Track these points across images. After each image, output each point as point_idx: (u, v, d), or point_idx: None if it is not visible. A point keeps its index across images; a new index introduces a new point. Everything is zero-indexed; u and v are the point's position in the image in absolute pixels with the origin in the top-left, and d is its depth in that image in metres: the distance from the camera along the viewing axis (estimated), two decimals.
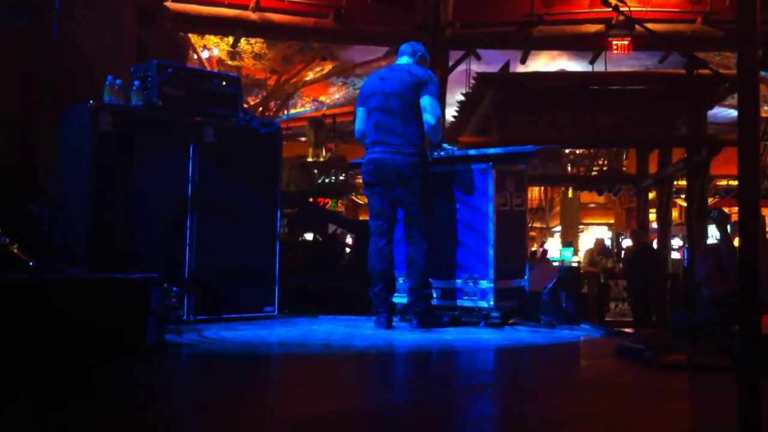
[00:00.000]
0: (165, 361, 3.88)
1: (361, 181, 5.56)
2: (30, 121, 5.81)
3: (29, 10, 4.83)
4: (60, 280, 3.92)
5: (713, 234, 16.73)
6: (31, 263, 4.33)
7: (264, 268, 5.66)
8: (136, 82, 5.22)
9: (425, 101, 5.18)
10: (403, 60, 5.44)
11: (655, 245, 15.73)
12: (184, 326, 4.94)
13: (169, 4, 11.12)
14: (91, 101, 4.94)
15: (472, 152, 5.68)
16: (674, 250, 18.43)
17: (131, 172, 5.06)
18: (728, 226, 5.36)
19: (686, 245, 17.40)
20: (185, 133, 5.31)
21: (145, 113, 5.18)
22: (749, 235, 2.13)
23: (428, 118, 5.17)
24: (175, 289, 4.58)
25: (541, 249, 23.51)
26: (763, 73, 13.02)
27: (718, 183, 21.18)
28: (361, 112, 5.43)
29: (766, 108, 15.36)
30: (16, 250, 4.33)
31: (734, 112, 16.62)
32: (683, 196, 18.86)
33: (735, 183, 19.41)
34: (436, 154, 5.42)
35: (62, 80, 5.92)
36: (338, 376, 3.72)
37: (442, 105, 11.57)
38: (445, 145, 5.47)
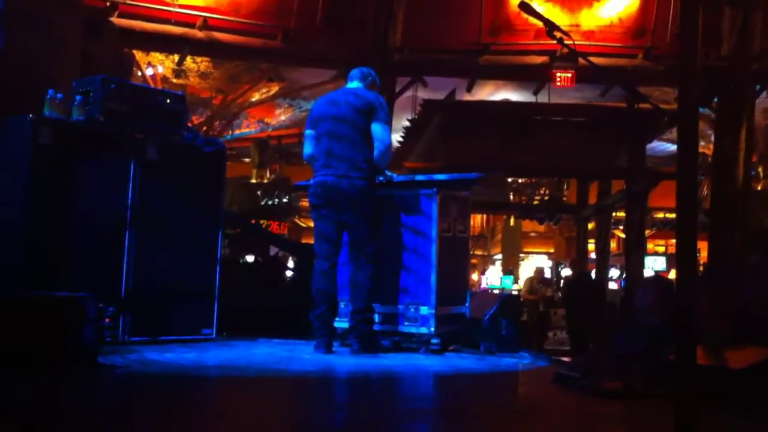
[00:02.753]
0: (101, 382, 3.79)
1: (305, 203, 5.54)
2: None
3: None
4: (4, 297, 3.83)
5: (650, 265, 17.11)
6: None
7: (203, 289, 5.58)
8: (78, 97, 5.14)
9: (376, 128, 5.20)
10: (354, 84, 5.45)
11: (593, 275, 15.98)
12: (119, 347, 4.83)
13: (114, 19, 11.00)
14: (31, 114, 4.84)
15: (416, 177, 5.70)
16: (612, 280, 18.75)
17: (70, 187, 4.96)
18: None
19: (624, 275, 17.70)
20: (127, 149, 5.23)
21: (87, 128, 5.09)
22: (686, 267, 2.17)
23: (378, 144, 5.19)
24: (110, 309, 4.50)
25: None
26: (701, 109, 13.39)
27: (655, 215, 21.64)
28: (310, 135, 5.41)
29: (703, 143, 15.78)
30: None
31: (673, 146, 17.09)
32: (621, 227, 19.20)
33: (672, 215, 19.86)
34: (376, 179, 5.42)
35: (2, 90, 5.78)
36: (276, 400, 3.67)
37: (390, 129, 11.63)
38: (387, 171, 5.48)
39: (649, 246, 22.66)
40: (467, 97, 14.71)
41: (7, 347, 3.54)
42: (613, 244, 20.32)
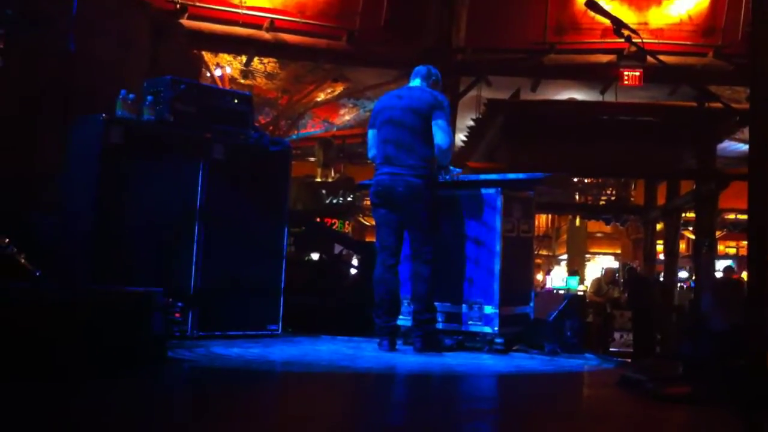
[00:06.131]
0: (170, 374, 3.88)
1: (368, 202, 5.57)
2: (36, 129, 5.86)
3: (38, 21, 4.87)
4: (77, 291, 3.95)
5: (720, 268, 16.74)
6: (37, 273, 4.35)
7: (269, 286, 5.65)
8: (149, 97, 5.26)
9: (438, 124, 5.19)
10: (417, 82, 5.46)
11: (660, 277, 15.74)
12: (187, 341, 4.94)
13: (183, 21, 11.23)
14: (103, 114, 4.97)
15: (480, 177, 5.68)
16: (681, 282, 18.40)
17: (139, 186, 5.08)
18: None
19: (693, 278, 17.38)
20: (195, 149, 5.33)
21: (156, 128, 5.21)
22: (758, 270, 2.13)
23: (440, 141, 5.19)
24: (179, 304, 4.60)
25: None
26: None
27: (726, 216, 21.13)
28: (372, 134, 5.43)
29: None
30: (23, 261, 4.35)
31: (744, 146, 16.73)
32: (691, 229, 18.81)
33: (744, 217, 19.36)
34: (441, 177, 5.41)
35: (73, 91, 5.96)
36: (340, 396, 3.71)
37: (453, 129, 11.64)
38: (452, 168, 5.47)
39: (720, 248, 22.14)
40: (532, 97, 14.59)
41: (82, 339, 3.64)
42: (682, 246, 19.92)
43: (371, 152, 5.46)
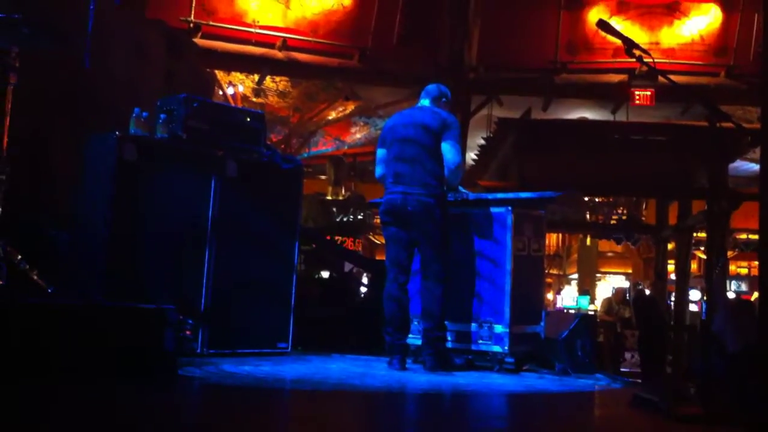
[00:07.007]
0: (181, 392, 3.88)
1: (379, 220, 5.58)
2: (51, 145, 5.90)
3: (54, 38, 4.91)
4: (90, 306, 3.99)
5: (733, 288, 16.65)
6: (50, 290, 4.36)
7: (280, 304, 5.65)
8: (162, 115, 5.29)
9: (447, 144, 5.21)
10: (426, 102, 5.48)
11: (672, 296, 15.68)
12: (197, 359, 4.94)
13: (197, 39, 11.32)
14: (117, 132, 5.01)
15: (491, 196, 5.69)
16: (692, 302, 18.30)
17: (153, 202, 5.10)
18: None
19: (704, 298, 17.28)
20: (208, 166, 5.35)
21: (170, 145, 5.24)
22: None
23: (449, 161, 5.20)
24: (190, 321, 4.60)
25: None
26: None
27: (738, 236, 21.03)
28: (381, 155, 5.45)
29: None
30: (35, 277, 4.37)
31: (756, 166, 16.67)
32: (702, 248, 18.72)
33: (755, 237, 19.25)
34: (450, 196, 5.42)
35: (88, 106, 6.01)
36: (350, 415, 3.70)
37: (463, 148, 11.65)
38: (461, 188, 5.48)
39: (732, 268, 22.03)
40: (543, 116, 14.61)
41: (92, 354, 3.65)
42: (693, 266, 19.81)
43: (379, 170, 5.48)
